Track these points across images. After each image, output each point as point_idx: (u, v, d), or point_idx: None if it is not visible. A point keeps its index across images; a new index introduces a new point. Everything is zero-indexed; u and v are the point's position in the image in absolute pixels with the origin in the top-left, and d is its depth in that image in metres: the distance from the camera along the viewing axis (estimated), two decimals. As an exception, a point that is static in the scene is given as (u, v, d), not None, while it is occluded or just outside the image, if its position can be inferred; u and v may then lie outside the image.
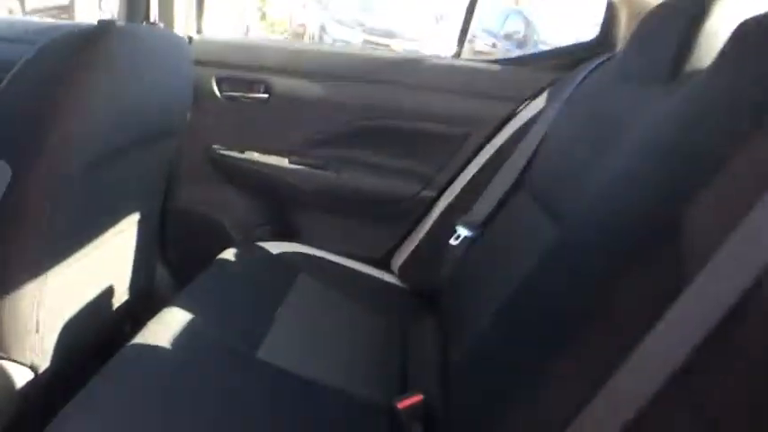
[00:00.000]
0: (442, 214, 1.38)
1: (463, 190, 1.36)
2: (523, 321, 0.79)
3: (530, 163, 1.18)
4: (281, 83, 1.44)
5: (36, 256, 0.93)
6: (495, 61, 1.43)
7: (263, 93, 1.45)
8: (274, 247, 1.35)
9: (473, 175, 1.36)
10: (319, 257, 1.39)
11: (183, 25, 1.40)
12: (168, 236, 1.56)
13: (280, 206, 1.56)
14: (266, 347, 1.00)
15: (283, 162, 1.48)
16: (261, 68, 1.45)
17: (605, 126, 0.91)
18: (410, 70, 1.41)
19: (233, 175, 1.53)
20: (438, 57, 1.44)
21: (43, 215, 0.90)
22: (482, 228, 1.22)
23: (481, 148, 1.38)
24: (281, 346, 1.02)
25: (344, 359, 1.06)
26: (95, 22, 0.95)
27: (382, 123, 1.42)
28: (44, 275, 0.95)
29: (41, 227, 0.91)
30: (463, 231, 1.24)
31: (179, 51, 1.17)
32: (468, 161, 1.39)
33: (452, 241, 1.24)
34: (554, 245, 0.82)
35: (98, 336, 1.20)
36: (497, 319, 0.88)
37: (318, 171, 1.47)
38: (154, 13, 1.33)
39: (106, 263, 1.16)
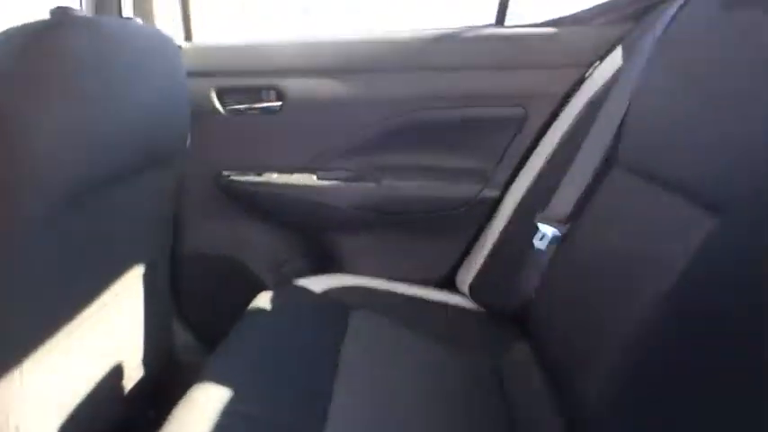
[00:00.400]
0: (513, 215, 1.14)
1: (535, 181, 1.12)
2: (673, 343, 0.60)
3: (619, 133, 0.94)
4: (295, 85, 1.20)
5: (3, 336, 0.69)
6: (548, 23, 1.19)
7: (275, 100, 1.22)
8: (316, 284, 1.13)
9: (544, 162, 1.11)
10: (371, 288, 1.16)
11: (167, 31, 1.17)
12: (183, 287, 1.31)
13: (313, 233, 1.33)
14: (335, 421, 0.75)
15: (310, 179, 1.25)
16: (268, 72, 1.22)
17: (729, 67, 0.71)
18: (446, 48, 1.18)
19: (251, 203, 1.30)
20: (477, 27, 1.19)
21: (6, 277, 0.65)
22: (571, 221, 0.97)
23: (546, 127, 1.14)
24: (353, 417, 0.77)
25: (439, 421, 0.80)
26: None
27: (422, 116, 1.19)
28: (18, 362, 0.70)
29: (5, 293, 0.66)
30: (547, 229, 1.00)
31: (167, 51, 0.93)
32: (533, 146, 1.16)
33: (536, 242, 1.00)
34: (706, 235, 0.61)
35: None
36: (631, 342, 0.66)
37: (354, 183, 1.24)
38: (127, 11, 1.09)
39: (107, 334, 0.92)
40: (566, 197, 0.99)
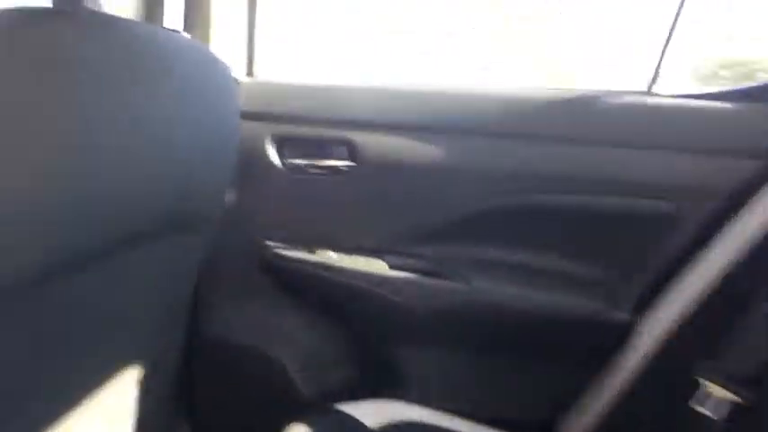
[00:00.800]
0: (652, 352, 0.85)
1: (691, 312, 0.83)
2: None
3: None
4: (373, 143, 0.96)
5: None
6: (718, 95, 0.91)
7: (346, 159, 0.98)
8: (367, 413, 0.87)
9: (707, 284, 0.82)
10: (442, 429, 0.88)
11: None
12: (196, 388, 1.07)
13: (371, 336, 1.06)
14: None
15: (377, 265, 0.99)
16: (343, 122, 0.98)
17: None
18: (576, 115, 0.92)
19: (296, 286, 1.05)
20: (620, 92, 0.93)
21: None
22: (758, 386, 0.69)
23: (707, 233, 0.86)
24: None
25: None
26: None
27: (533, 199, 0.94)
28: None
29: None
30: (717, 390, 0.71)
31: (219, 80, 0.71)
32: (686, 257, 0.87)
33: (696, 406, 0.72)
34: None
35: None
36: None
37: (433, 280, 0.97)
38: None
39: None
40: (749, 347, 0.72)
